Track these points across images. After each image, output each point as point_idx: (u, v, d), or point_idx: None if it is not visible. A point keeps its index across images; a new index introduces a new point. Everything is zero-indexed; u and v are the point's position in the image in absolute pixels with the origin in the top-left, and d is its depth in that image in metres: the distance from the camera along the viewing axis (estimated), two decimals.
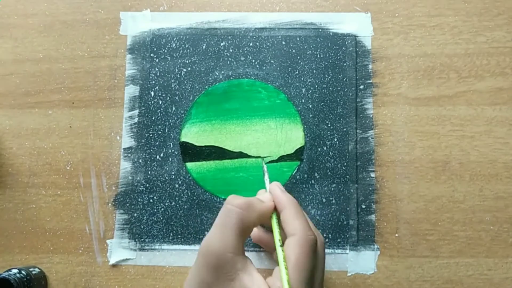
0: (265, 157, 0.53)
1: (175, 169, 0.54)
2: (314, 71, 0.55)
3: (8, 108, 0.56)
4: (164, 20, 0.57)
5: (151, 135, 0.55)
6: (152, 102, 0.55)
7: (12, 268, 0.49)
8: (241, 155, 0.54)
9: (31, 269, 0.51)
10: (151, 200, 0.53)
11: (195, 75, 0.56)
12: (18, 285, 0.47)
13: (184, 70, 0.56)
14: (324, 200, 0.53)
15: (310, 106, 0.55)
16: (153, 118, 0.55)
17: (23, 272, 0.49)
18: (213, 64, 0.56)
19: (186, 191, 0.54)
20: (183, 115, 0.55)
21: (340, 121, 0.54)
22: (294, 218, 0.39)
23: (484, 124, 0.53)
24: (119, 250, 0.53)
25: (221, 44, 0.56)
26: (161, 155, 0.54)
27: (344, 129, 0.54)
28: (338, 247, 0.52)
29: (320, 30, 0.56)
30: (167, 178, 0.54)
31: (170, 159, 0.54)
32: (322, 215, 0.52)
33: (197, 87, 0.56)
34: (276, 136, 0.54)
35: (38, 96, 0.56)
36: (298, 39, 0.56)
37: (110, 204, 0.54)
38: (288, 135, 0.54)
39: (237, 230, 0.37)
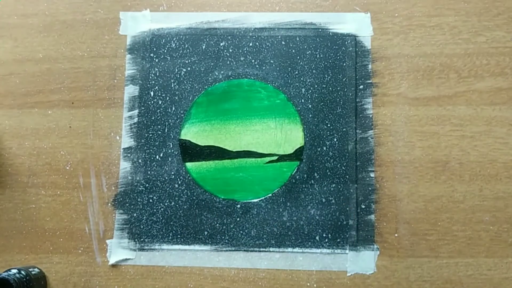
0: None
1: (175, 169, 0.54)
2: (314, 71, 0.55)
3: (8, 108, 0.56)
4: (164, 20, 0.57)
5: (150, 135, 0.55)
6: (152, 102, 0.55)
7: (12, 268, 0.49)
8: (240, 155, 0.54)
9: (30, 269, 0.51)
10: (150, 200, 0.53)
11: (194, 75, 0.56)
12: (17, 285, 0.47)
13: (184, 70, 0.56)
14: (323, 200, 0.53)
15: (310, 106, 0.55)
16: (153, 118, 0.55)
17: (22, 272, 0.49)
18: (212, 64, 0.56)
19: (185, 191, 0.54)
20: (182, 115, 0.55)
21: (340, 121, 0.54)
22: None
23: (484, 124, 0.53)
24: (119, 250, 0.53)
25: (221, 44, 0.56)
26: (161, 155, 0.54)
27: (344, 129, 0.54)
28: (337, 247, 0.52)
29: (320, 30, 0.56)
30: (166, 178, 0.54)
31: (169, 159, 0.54)
32: (321, 215, 0.52)
33: (196, 87, 0.56)
34: (275, 136, 0.54)
35: (38, 96, 0.56)
36: (298, 39, 0.56)
37: (109, 204, 0.54)
38: (287, 135, 0.54)
39: None
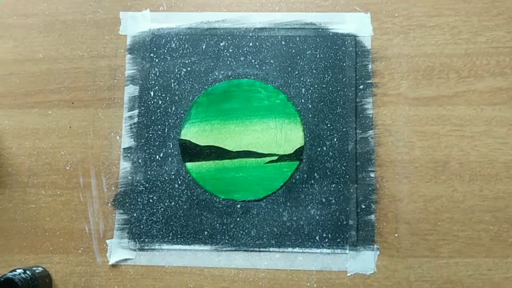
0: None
1: (175, 169, 0.54)
2: (314, 71, 0.55)
3: (8, 108, 0.56)
4: (164, 20, 0.57)
5: (150, 135, 0.55)
6: (152, 102, 0.55)
7: (17, 269, 0.49)
8: (240, 155, 0.54)
9: (34, 268, 0.51)
10: (150, 200, 0.53)
11: (194, 75, 0.56)
12: (23, 284, 0.47)
13: (184, 70, 0.56)
14: (323, 200, 0.53)
15: (310, 106, 0.55)
16: (153, 118, 0.55)
17: (27, 272, 0.49)
18: (212, 64, 0.56)
19: (185, 191, 0.54)
20: (182, 115, 0.55)
21: (340, 121, 0.54)
22: None
23: (484, 124, 0.53)
24: (119, 250, 0.53)
25: (221, 44, 0.56)
26: (161, 155, 0.54)
27: (344, 129, 0.54)
28: (337, 247, 0.52)
29: (320, 30, 0.56)
30: (166, 178, 0.54)
31: (169, 159, 0.54)
32: (321, 215, 0.52)
33: (196, 87, 0.56)
34: (275, 136, 0.54)
35: (38, 96, 0.56)
36: (298, 39, 0.56)
37: (109, 204, 0.54)
38: (287, 135, 0.54)
39: None
